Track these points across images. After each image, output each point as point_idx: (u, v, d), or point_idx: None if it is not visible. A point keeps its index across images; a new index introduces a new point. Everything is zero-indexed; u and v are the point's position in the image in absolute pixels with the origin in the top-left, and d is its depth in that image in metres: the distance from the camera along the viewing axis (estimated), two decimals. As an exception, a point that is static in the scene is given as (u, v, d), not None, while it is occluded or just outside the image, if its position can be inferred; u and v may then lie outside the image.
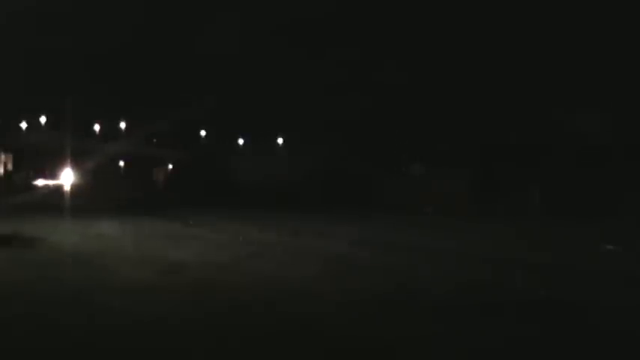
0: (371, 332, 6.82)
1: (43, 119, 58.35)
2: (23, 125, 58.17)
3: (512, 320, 7.52)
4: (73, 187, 43.72)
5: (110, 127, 59.83)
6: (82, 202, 30.01)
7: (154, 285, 9.22)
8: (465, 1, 37.37)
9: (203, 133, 61.10)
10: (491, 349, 6.33)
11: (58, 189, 39.66)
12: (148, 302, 8.09)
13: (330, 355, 6.07)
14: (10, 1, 36.86)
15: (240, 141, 60.27)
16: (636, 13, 31.16)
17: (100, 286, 9.04)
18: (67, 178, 46.35)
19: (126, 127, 59.92)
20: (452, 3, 37.04)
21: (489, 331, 6.93)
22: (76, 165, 50.59)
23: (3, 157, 47.13)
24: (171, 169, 58.09)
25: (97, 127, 60.63)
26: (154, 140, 59.59)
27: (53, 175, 53.35)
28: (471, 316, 7.64)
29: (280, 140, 57.85)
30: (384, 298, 8.64)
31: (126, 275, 9.99)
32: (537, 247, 15.12)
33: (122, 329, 6.75)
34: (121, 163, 63.69)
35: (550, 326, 7.15)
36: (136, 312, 7.55)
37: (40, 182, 53.56)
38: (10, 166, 48.51)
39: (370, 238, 16.21)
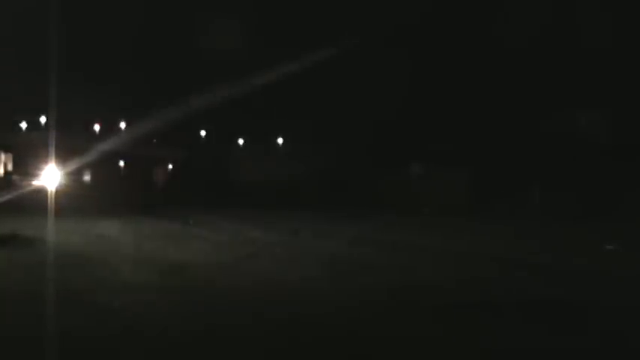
0: (371, 332, 6.82)
1: (43, 119, 58.31)
2: (23, 125, 58.14)
3: (512, 320, 7.52)
4: (74, 187, 43.71)
5: (110, 127, 59.81)
6: (82, 201, 29.98)
7: (155, 285, 9.23)
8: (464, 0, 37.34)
9: (203, 133, 61.07)
10: (491, 349, 6.33)
11: (58, 189, 39.65)
12: (148, 302, 8.09)
13: (331, 356, 6.07)
14: (10, 2, 37.03)
15: (240, 141, 60.26)
16: (636, 13, 31.16)
17: (100, 286, 9.05)
18: (65, 178, 46.33)
19: (126, 127, 59.90)
20: (450, 2, 37.01)
21: (489, 331, 6.93)
22: (76, 165, 50.57)
23: (3, 157, 47.06)
24: (172, 169, 58.06)
25: (97, 127, 60.62)
26: (154, 140, 59.51)
27: (53, 175, 53.27)
28: (471, 315, 7.64)
29: (280, 140, 57.84)
30: (384, 298, 8.65)
31: (126, 275, 10.00)
32: (537, 247, 15.11)
33: (122, 329, 6.75)
34: (121, 163, 63.68)
35: (550, 326, 7.15)
36: (137, 312, 7.55)
37: (39, 182, 53.52)
38: (10, 166, 48.45)
39: (370, 238, 16.21)
